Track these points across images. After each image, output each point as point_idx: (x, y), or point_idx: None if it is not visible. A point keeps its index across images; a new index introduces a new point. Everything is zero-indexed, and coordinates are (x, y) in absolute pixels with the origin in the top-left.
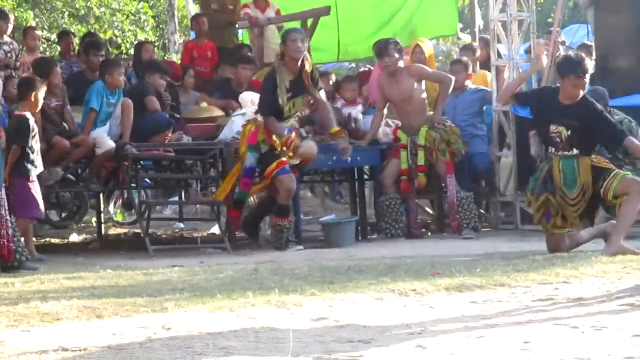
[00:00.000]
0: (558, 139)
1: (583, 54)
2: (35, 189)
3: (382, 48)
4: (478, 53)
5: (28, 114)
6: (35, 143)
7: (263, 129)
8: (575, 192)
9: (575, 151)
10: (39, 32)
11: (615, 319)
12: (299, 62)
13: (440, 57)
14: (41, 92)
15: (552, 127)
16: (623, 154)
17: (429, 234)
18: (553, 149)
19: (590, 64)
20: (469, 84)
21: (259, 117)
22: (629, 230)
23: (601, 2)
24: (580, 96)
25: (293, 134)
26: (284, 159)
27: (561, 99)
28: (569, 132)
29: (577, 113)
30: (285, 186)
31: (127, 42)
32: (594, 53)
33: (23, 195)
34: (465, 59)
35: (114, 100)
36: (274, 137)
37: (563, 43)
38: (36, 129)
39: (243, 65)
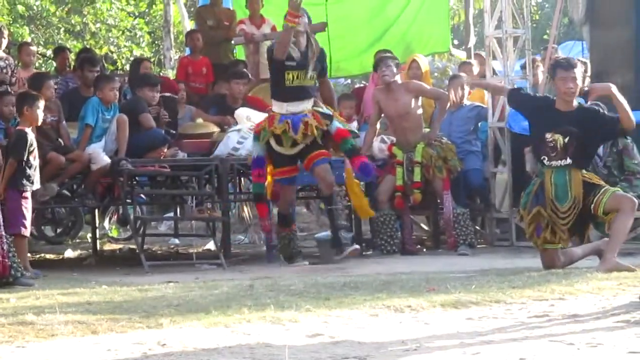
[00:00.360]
0: (553, 148)
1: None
2: (27, 206)
3: (380, 60)
4: (476, 70)
5: (28, 129)
6: (34, 159)
7: (266, 119)
8: (567, 206)
9: (569, 160)
10: (34, 48)
11: (611, 336)
12: (302, 39)
13: (435, 74)
14: (36, 106)
15: (548, 136)
16: (619, 169)
17: (424, 250)
18: (546, 159)
19: (580, 71)
20: (465, 100)
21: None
22: (622, 246)
23: (596, 19)
24: (577, 105)
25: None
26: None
27: (558, 106)
28: (566, 140)
29: (576, 119)
30: (283, 197)
31: (122, 58)
32: (589, 70)
33: (12, 210)
34: (463, 75)
35: (110, 116)
36: (274, 123)
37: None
38: (35, 145)
39: (236, 80)
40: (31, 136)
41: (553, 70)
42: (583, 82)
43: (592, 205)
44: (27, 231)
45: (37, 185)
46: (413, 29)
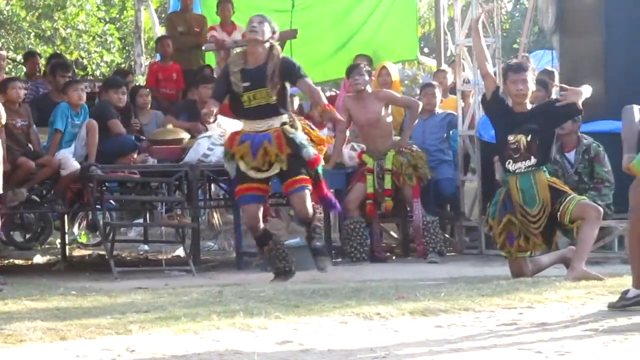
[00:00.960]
0: (517, 149)
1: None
2: None
3: (352, 67)
4: (451, 79)
5: None
6: None
7: (229, 138)
8: (536, 209)
9: (533, 160)
10: (4, 53)
11: (579, 345)
12: (261, 50)
13: (406, 82)
14: None
15: (511, 138)
16: (589, 177)
17: (394, 257)
18: (511, 162)
19: (531, 75)
20: (437, 108)
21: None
22: (590, 255)
23: (566, 28)
24: (531, 106)
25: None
26: (244, 185)
27: (514, 109)
28: (528, 138)
29: (533, 116)
30: (245, 221)
31: (93, 63)
32: (556, 78)
33: None
34: (435, 83)
35: (79, 121)
36: (234, 145)
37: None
38: None
39: (204, 85)
40: None
41: (505, 74)
42: (550, 91)
43: (559, 213)
44: None
45: None
46: (379, 37)
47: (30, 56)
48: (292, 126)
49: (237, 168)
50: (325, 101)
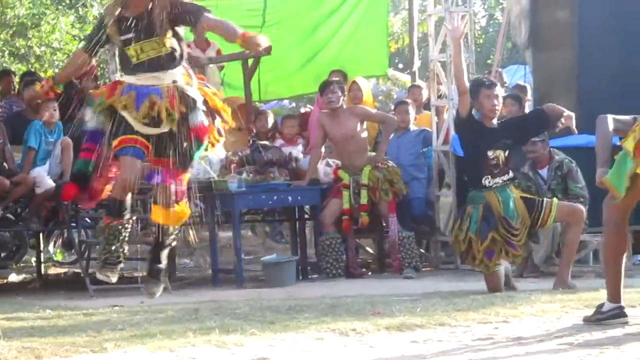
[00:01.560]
0: (496, 165)
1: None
2: None
3: (326, 85)
4: (426, 94)
5: None
6: None
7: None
8: (518, 222)
9: (510, 174)
10: None
11: (554, 358)
12: None
13: (380, 97)
14: None
15: (490, 154)
16: (563, 193)
17: (370, 273)
18: (489, 178)
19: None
20: (411, 125)
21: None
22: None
23: (539, 43)
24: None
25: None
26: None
27: (487, 124)
28: (506, 153)
29: (505, 132)
30: (121, 174)
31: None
32: (528, 93)
33: None
34: (409, 100)
35: (53, 138)
36: (115, 94)
37: (503, 84)
38: None
39: None
40: None
41: (476, 89)
42: (524, 106)
43: (540, 221)
44: None
45: None
46: (346, 52)
47: (4, 75)
48: (188, 83)
49: (118, 119)
50: (241, 31)
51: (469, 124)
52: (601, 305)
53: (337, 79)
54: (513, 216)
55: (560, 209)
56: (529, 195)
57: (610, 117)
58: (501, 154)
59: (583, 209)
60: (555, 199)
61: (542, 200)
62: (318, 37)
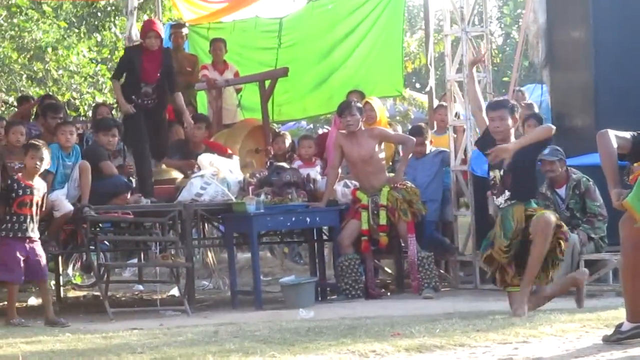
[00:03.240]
0: (494, 185)
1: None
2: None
3: (345, 107)
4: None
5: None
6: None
7: None
8: (507, 241)
9: (507, 194)
10: (1, 94)
11: None
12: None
13: (397, 117)
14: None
15: (491, 174)
16: (581, 212)
17: (389, 294)
18: (495, 199)
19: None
20: (428, 149)
21: None
22: (586, 288)
23: (556, 62)
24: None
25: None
26: None
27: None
28: (501, 173)
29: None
30: None
31: (85, 104)
32: (536, 109)
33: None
34: (424, 125)
35: (70, 162)
36: None
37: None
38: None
39: (195, 124)
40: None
41: (486, 112)
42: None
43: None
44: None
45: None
46: (361, 72)
47: (23, 100)
48: None
49: None
50: None
51: (485, 143)
52: (620, 325)
53: (355, 99)
54: (507, 235)
55: (534, 221)
56: (533, 212)
57: (611, 133)
58: (497, 174)
59: (549, 220)
60: (540, 212)
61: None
62: (333, 59)
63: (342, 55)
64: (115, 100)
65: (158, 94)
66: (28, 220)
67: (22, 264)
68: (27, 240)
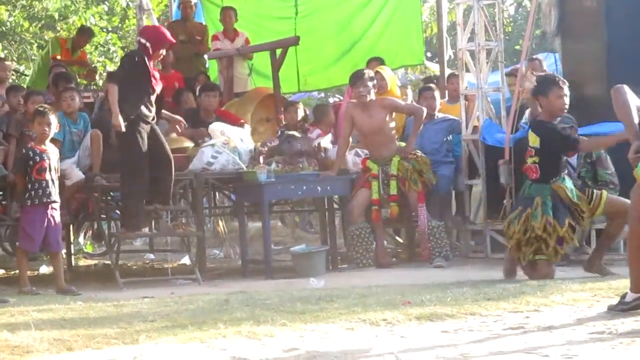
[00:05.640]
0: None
1: None
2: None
3: (358, 77)
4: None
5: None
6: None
7: None
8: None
9: (538, 175)
10: (9, 63)
11: (586, 348)
12: None
13: (409, 87)
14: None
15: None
16: (593, 180)
17: (398, 263)
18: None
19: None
20: (437, 112)
21: None
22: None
23: (568, 31)
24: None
25: None
26: None
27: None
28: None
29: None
30: None
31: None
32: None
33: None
34: (434, 85)
35: (77, 128)
36: None
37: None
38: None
39: (207, 93)
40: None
41: (545, 87)
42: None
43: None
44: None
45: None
46: (382, 42)
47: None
48: None
49: None
50: None
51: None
52: (624, 295)
53: (367, 70)
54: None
55: (610, 202)
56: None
57: (626, 87)
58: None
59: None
60: (604, 192)
61: (593, 191)
62: (354, 28)
63: (363, 26)
64: None
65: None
66: (50, 184)
67: (42, 234)
68: (50, 207)
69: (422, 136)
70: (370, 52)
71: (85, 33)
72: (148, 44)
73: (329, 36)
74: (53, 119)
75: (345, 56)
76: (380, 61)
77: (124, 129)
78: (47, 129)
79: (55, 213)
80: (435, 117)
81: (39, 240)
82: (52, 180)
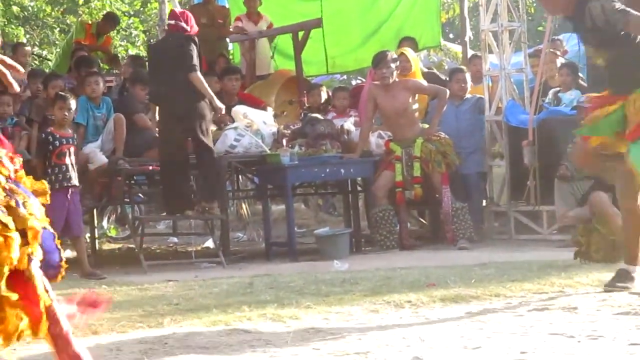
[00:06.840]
0: None
1: None
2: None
3: (380, 59)
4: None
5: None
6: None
7: None
8: None
9: None
10: (29, 49)
11: (611, 328)
12: None
13: (432, 68)
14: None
15: None
16: None
17: (422, 245)
18: None
19: None
20: (467, 94)
21: None
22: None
23: None
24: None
25: None
26: None
27: None
28: None
29: None
30: None
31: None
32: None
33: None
34: (464, 67)
35: (100, 113)
36: None
37: (566, 53)
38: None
39: (229, 76)
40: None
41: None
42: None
43: None
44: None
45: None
46: (408, 24)
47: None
48: None
49: None
50: None
51: None
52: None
53: (389, 52)
54: None
55: None
56: None
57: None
58: None
59: None
60: None
61: None
62: (379, 10)
63: (388, 7)
64: None
65: None
66: (70, 169)
67: (63, 219)
68: (70, 192)
69: (456, 117)
70: (397, 34)
71: (111, 19)
72: (189, 28)
73: (354, 18)
74: (73, 103)
75: (372, 37)
76: (412, 41)
77: (224, 111)
78: (67, 113)
79: (75, 197)
80: (467, 98)
81: (60, 225)
82: (72, 165)
